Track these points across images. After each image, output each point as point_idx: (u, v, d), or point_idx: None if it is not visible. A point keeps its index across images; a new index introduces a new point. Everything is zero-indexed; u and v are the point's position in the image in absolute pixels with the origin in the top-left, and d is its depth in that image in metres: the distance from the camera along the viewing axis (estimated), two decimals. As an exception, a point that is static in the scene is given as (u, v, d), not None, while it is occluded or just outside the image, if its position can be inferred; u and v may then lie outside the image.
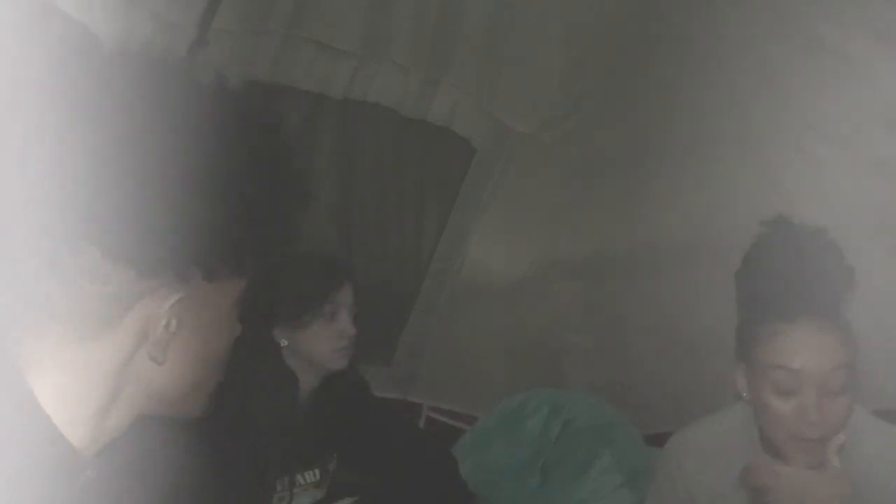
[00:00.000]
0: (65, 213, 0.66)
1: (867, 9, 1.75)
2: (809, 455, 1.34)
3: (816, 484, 1.30)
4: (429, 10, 2.12)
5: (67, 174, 0.65)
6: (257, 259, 0.76)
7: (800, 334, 1.33)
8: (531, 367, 2.70)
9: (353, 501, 1.99)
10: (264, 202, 0.73)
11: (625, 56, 2.20)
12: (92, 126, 0.66)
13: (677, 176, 2.22)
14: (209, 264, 0.72)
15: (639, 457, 2.33)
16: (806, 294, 1.33)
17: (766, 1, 1.90)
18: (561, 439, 2.43)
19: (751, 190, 2.06)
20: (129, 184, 0.66)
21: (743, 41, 1.96)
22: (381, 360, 2.61)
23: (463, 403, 2.75)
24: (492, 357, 2.67)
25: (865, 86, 1.83)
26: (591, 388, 2.57)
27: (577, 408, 2.48)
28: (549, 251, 2.60)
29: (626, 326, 2.51)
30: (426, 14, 2.12)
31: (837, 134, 1.92)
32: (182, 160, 0.68)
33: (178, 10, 1.75)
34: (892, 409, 1.69)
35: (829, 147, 1.94)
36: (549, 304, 2.64)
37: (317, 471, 1.90)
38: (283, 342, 1.78)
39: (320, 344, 1.79)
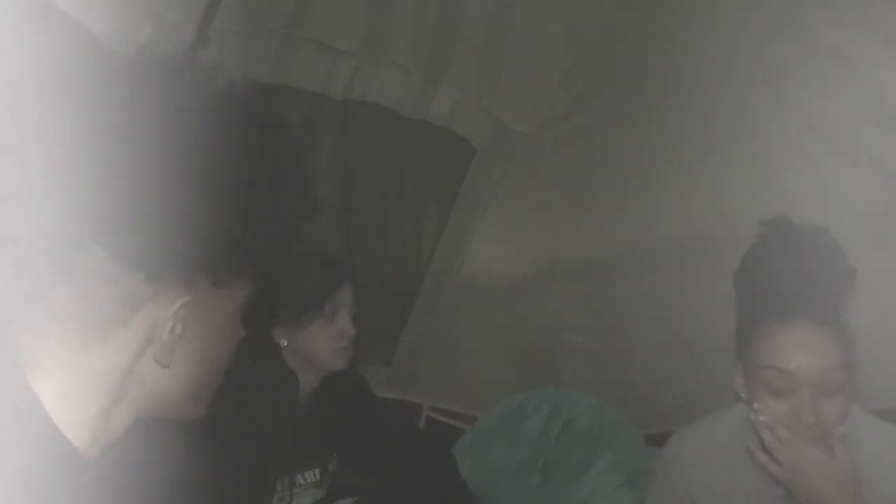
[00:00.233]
0: (71, 214, 0.66)
1: (867, 9, 1.75)
2: None
3: (827, 463, 1.30)
4: (429, 10, 2.12)
5: (73, 174, 0.65)
6: (264, 264, 0.76)
7: (794, 336, 1.33)
8: (531, 367, 2.70)
9: (353, 501, 1.99)
10: (273, 208, 0.73)
11: (625, 56, 2.20)
12: (95, 127, 0.66)
13: (677, 176, 2.22)
14: (216, 269, 0.72)
15: (639, 457, 2.33)
16: (803, 295, 1.33)
17: (766, 1, 1.90)
18: (561, 439, 2.43)
19: (751, 190, 2.07)
20: (137, 186, 0.66)
21: (743, 41, 1.96)
22: (381, 360, 2.61)
23: (463, 403, 2.75)
24: (492, 357, 2.67)
25: (865, 86, 1.83)
26: (591, 388, 2.57)
27: (577, 408, 2.48)
28: (549, 251, 2.60)
29: (626, 326, 2.51)
30: (426, 14, 2.12)
31: (837, 134, 1.92)
32: (190, 164, 0.68)
33: (178, 10, 1.75)
34: (892, 410, 1.68)
35: (829, 147, 1.94)
36: (549, 305, 2.64)
37: (317, 471, 1.90)
38: (283, 342, 1.79)
39: (320, 344, 1.79)
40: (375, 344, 2.44)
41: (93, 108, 0.67)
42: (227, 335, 0.80)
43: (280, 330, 1.78)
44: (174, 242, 0.68)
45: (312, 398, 1.85)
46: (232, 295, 0.77)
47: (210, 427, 0.88)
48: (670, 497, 1.59)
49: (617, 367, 2.57)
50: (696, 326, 2.20)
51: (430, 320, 2.62)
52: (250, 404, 1.66)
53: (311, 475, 1.89)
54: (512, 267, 2.64)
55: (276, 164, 0.74)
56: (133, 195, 0.66)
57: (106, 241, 0.67)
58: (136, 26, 1.68)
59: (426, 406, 2.74)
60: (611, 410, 2.49)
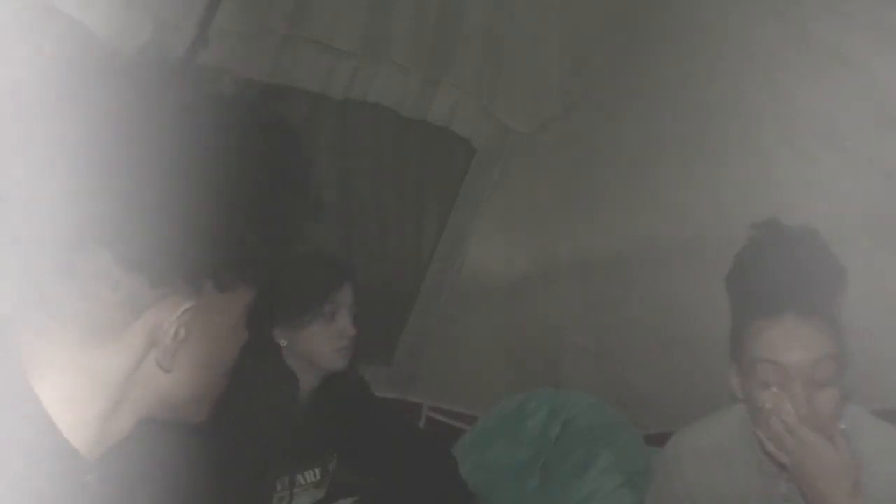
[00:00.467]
0: (73, 215, 0.66)
1: (867, 9, 1.75)
2: None
3: (829, 456, 1.31)
4: (429, 10, 2.12)
5: (74, 176, 0.65)
6: (268, 269, 0.76)
7: (784, 329, 1.36)
8: (531, 367, 2.70)
9: (353, 501, 1.99)
10: (277, 212, 0.73)
11: (625, 56, 2.20)
12: (97, 128, 0.66)
13: (677, 176, 2.22)
14: (220, 274, 0.72)
15: (639, 457, 2.33)
16: (790, 291, 1.36)
17: (767, 1, 1.90)
18: (561, 439, 2.43)
19: (750, 190, 2.07)
20: (138, 187, 0.66)
21: (743, 41, 1.96)
22: (381, 360, 2.61)
23: (463, 403, 2.75)
24: (492, 357, 2.67)
25: (865, 86, 1.83)
26: (591, 388, 2.57)
27: (577, 408, 2.49)
28: (549, 251, 2.60)
29: (626, 326, 2.51)
30: (426, 14, 2.12)
31: (837, 134, 1.91)
32: (192, 166, 0.67)
33: (178, 10, 1.74)
34: (892, 410, 1.69)
35: (828, 147, 1.94)
36: (549, 304, 2.64)
37: (317, 471, 1.90)
38: (283, 342, 1.79)
39: (320, 344, 1.79)
40: (375, 344, 2.44)
41: (94, 108, 0.67)
42: (231, 339, 0.80)
43: (280, 330, 1.78)
44: (177, 247, 0.68)
45: (312, 398, 1.85)
46: (236, 299, 0.77)
47: (210, 427, 0.88)
48: (670, 497, 1.59)
49: (617, 367, 2.57)
50: (695, 326, 2.19)
51: (430, 320, 2.62)
52: (250, 404, 1.66)
53: (311, 475, 1.89)
54: (512, 267, 2.64)
55: (281, 167, 0.74)
56: (134, 196, 0.66)
57: (108, 243, 0.67)
58: (136, 26, 1.68)
59: (426, 406, 2.74)
60: (611, 410, 2.49)
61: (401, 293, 2.60)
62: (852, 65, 1.82)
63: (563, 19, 2.23)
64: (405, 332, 2.63)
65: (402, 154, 2.43)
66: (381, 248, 2.53)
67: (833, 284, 1.40)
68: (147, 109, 0.68)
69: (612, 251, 2.47)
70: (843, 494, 1.30)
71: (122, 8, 1.64)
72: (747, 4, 1.93)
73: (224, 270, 0.72)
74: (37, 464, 0.68)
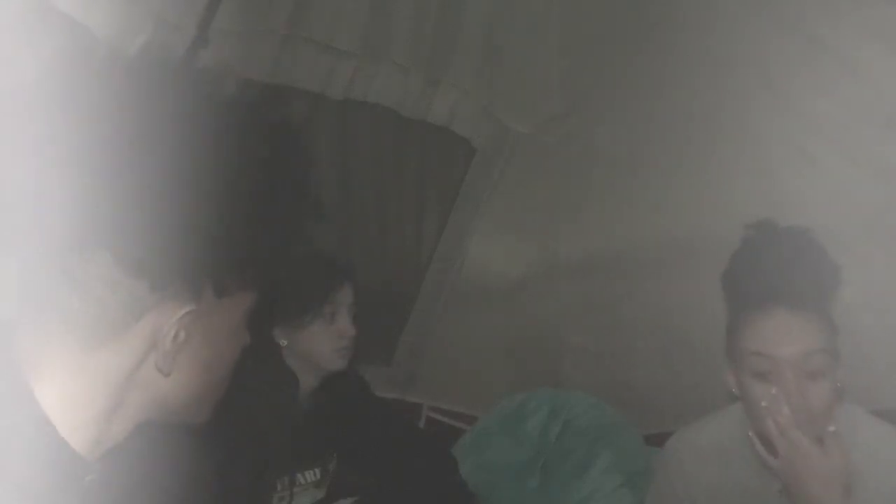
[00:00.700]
0: (74, 217, 0.66)
1: (867, 9, 1.75)
2: None
3: (819, 459, 1.31)
4: (429, 10, 2.12)
5: (75, 177, 0.65)
6: (268, 270, 0.76)
7: (775, 321, 1.37)
8: (531, 367, 2.70)
9: (353, 501, 1.99)
10: (278, 214, 0.73)
11: (624, 56, 2.20)
12: (97, 129, 0.66)
13: (677, 176, 2.22)
14: (221, 277, 0.72)
15: (639, 457, 2.33)
16: (782, 285, 1.38)
17: (767, 1, 1.90)
18: (561, 439, 2.43)
19: (750, 190, 2.07)
20: (139, 188, 0.66)
21: (743, 41, 1.96)
22: (381, 360, 2.61)
23: (463, 403, 2.75)
24: (492, 357, 2.67)
25: (865, 86, 1.83)
26: (591, 388, 2.57)
27: (577, 408, 2.49)
28: (549, 251, 2.60)
29: (626, 326, 2.51)
30: (426, 14, 2.12)
31: (837, 134, 1.92)
32: (193, 168, 0.67)
33: (178, 10, 1.74)
34: (892, 410, 1.69)
35: (828, 147, 1.94)
36: (549, 304, 2.64)
37: (317, 471, 1.90)
38: (283, 342, 1.79)
39: (320, 344, 1.79)
40: (375, 344, 2.44)
41: (95, 109, 0.67)
42: (232, 343, 0.80)
43: (280, 330, 1.78)
44: (178, 251, 0.68)
45: (312, 398, 1.85)
46: (236, 304, 0.77)
47: (210, 427, 0.88)
48: (670, 497, 1.59)
49: (617, 367, 2.58)
50: (695, 326, 2.20)
51: (430, 320, 2.62)
52: (250, 404, 1.66)
53: (311, 475, 1.89)
54: (512, 267, 2.64)
55: (282, 168, 0.73)
56: (134, 198, 0.66)
57: (109, 245, 0.67)
58: (137, 26, 1.68)
59: (426, 406, 2.74)
60: (611, 410, 2.49)
61: (401, 293, 2.60)
62: (855, 67, 1.82)
63: (563, 19, 2.23)
64: (405, 332, 2.63)
65: (402, 154, 2.43)
66: (381, 248, 2.53)
67: (826, 280, 1.41)
68: (147, 110, 0.68)
69: (612, 251, 2.47)
70: (833, 498, 1.30)
71: (123, 8, 1.64)
72: (748, 7, 1.93)
73: (224, 272, 0.72)
74: (36, 465, 0.68)
